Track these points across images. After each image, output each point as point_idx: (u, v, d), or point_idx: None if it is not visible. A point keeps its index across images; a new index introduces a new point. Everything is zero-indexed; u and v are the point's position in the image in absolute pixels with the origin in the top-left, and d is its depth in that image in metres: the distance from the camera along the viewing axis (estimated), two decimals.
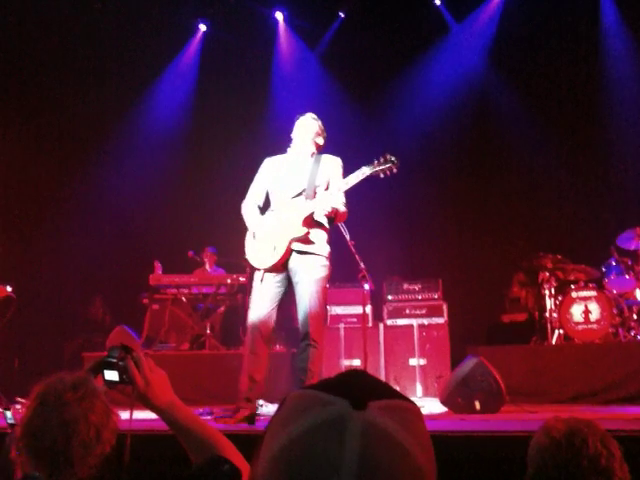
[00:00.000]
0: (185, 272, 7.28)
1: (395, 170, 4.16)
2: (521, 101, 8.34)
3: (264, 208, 4.38)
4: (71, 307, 8.14)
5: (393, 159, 4.16)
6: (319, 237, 4.19)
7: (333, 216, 4.17)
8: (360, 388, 0.75)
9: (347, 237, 4.71)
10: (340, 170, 4.33)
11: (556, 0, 7.86)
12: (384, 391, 0.76)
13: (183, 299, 7.11)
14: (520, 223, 8.06)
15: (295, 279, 4.15)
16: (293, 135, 4.38)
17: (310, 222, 4.15)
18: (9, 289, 5.65)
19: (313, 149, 4.35)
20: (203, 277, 7.25)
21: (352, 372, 0.79)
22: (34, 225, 8.11)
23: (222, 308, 7.21)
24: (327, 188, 4.26)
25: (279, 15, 9.10)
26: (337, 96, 8.61)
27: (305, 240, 4.13)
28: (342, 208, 4.20)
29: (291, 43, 9.16)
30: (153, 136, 8.72)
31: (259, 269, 4.20)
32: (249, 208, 4.33)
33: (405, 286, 6.70)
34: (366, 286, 4.93)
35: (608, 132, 7.83)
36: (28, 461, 1.53)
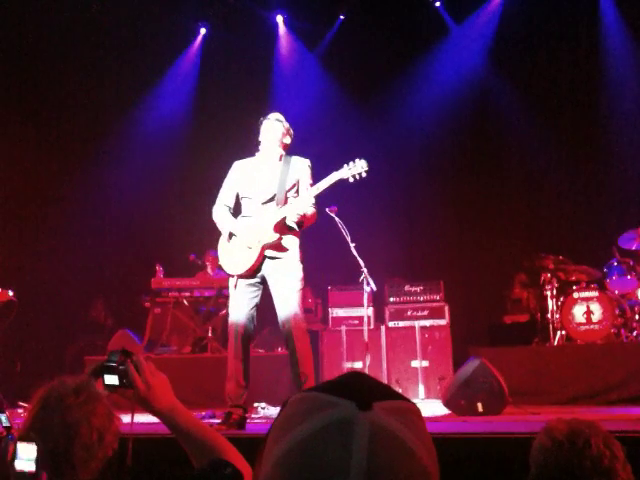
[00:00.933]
0: (186, 275, 7.28)
1: (364, 175, 4.17)
2: (521, 101, 8.34)
3: (235, 213, 4.39)
4: (73, 310, 8.14)
5: (363, 164, 4.17)
6: (290, 243, 4.22)
7: (303, 220, 4.18)
8: (364, 389, 0.75)
9: (348, 239, 4.71)
10: (309, 171, 4.35)
11: (555, 0, 7.87)
12: (386, 392, 0.76)
13: (185, 302, 7.11)
14: (521, 224, 8.06)
15: (270, 282, 4.19)
16: (260, 139, 4.38)
17: (281, 228, 4.18)
18: (11, 293, 5.65)
19: (281, 151, 4.37)
20: (204, 280, 7.25)
21: (353, 374, 0.79)
22: (36, 228, 8.12)
23: (224, 311, 7.20)
24: (297, 190, 4.29)
25: (279, 17, 9.12)
26: (337, 97, 8.62)
27: (277, 246, 4.16)
28: (310, 210, 4.22)
29: (291, 45, 9.18)
30: (154, 138, 8.73)
31: (232, 275, 4.23)
32: (221, 211, 4.35)
33: (407, 288, 6.70)
34: (368, 288, 4.93)
35: (609, 132, 7.83)
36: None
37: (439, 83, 8.50)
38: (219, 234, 4.40)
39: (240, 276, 4.19)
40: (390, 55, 8.45)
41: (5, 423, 1.57)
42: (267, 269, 4.18)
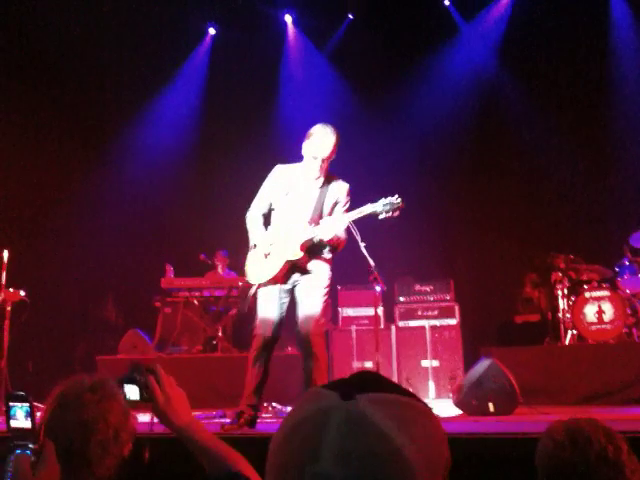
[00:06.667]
0: (197, 275, 7.30)
1: (397, 213, 4.06)
2: (532, 99, 8.31)
3: (267, 217, 4.37)
4: (84, 310, 8.18)
5: (399, 201, 4.05)
6: (320, 267, 4.16)
7: (335, 244, 4.12)
8: (353, 383, 0.77)
9: (358, 238, 4.70)
10: (346, 198, 4.26)
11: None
12: (386, 387, 0.77)
13: (195, 302, 7.13)
14: (532, 223, 8.02)
15: (297, 289, 4.17)
16: (305, 154, 4.18)
17: (308, 248, 4.11)
18: (22, 293, 5.68)
19: (323, 176, 4.21)
20: (214, 280, 7.26)
21: (362, 371, 0.81)
22: (47, 228, 8.15)
23: (234, 311, 7.22)
24: (331, 213, 4.22)
25: (288, 17, 9.13)
26: (347, 97, 8.61)
27: (303, 266, 4.12)
28: (343, 235, 4.18)
29: (300, 44, 9.18)
30: (164, 139, 8.76)
31: (252, 284, 4.22)
32: (254, 220, 4.28)
33: (417, 287, 6.69)
34: (378, 288, 4.92)
35: (623, 131, 7.79)
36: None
37: (448, 82, 8.47)
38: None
39: (260, 285, 4.17)
40: (399, 54, 8.43)
41: (22, 422, 1.52)
42: (296, 277, 4.15)
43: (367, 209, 4.05)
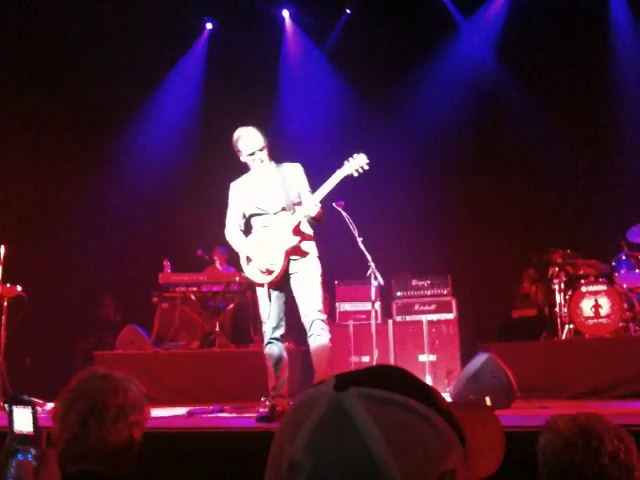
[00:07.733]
0: (195, 271, 7.29)
1: (366, 167, 4.26)
2: (530, 95, 8.30)
3: (243, 228, 4.48)
4: (82, 307, 8.17)
5: (362, 158, 4.26)
6: (310, 247, 4.32)
7: (320, 217, 4.27)
8: (358, 375, 0.73)
9: (356, 234, 4.71)
10: (304, 176, 4.43)
11: None
12: (392, 385, 0.71)
13: (193, 297, 7.12)
14: (530, 218, 8.03)
15: (292, 280, 4.28)
16: (244, 159, 4.40)
17: (299, 231, 4.26)
18: (19, 288, 5.67)
19: (273, 164, 4.41)
20: (212, 275, 7.26)
21: (381, 365, 0.79)
22: (44, 225, 8.14)
23: (231, 306, 7.22)
24: (299, 196, 4.37)
25: (286, 12, 9.10)
26: (345, 93, 8.60)
27: (298, 250, 4.25)
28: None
29: (298, 40, 9.16)
30: (162, 135, 8.74)
31: (262, 285, 4.29)
32: (234, 235, 4.43)
33: (414, 282, 6.69)
34: (375, 282, 4.93)
35: (620, 126, 7.79)
36: (68, 420, 1.67)
37: (447, 78, 8.45)
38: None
39: (270, 284, 4.25)
40: (398, 50, 8.41)
41: (25, 427, 1.52)
42: (291, 268, 4.27)
43: (338, 176, 4.24)
